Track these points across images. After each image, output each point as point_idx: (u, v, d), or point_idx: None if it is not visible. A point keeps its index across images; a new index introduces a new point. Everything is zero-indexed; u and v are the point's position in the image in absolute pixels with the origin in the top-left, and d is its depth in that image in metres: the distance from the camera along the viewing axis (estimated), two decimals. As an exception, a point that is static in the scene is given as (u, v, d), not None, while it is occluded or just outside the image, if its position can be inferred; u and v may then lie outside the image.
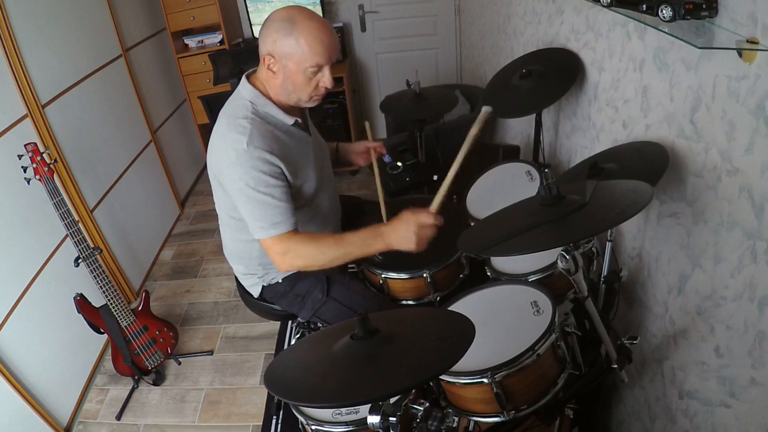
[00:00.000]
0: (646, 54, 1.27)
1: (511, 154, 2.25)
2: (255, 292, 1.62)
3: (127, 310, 2.12)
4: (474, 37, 3.38)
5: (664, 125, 1.23)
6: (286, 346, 2.40)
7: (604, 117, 1.56)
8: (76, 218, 2.19)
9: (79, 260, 1.98)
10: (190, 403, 2.22)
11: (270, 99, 1.38)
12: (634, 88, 1.36)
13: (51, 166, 1.90)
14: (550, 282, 1.31)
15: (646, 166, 1.18)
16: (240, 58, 3.04)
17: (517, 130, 2.57)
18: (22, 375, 1.95)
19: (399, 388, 0.84)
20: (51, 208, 1.89)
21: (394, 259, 1.51)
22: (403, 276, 1.51)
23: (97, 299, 2.07)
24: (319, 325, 1.67)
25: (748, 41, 0.87)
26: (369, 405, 0.89)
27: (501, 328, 1.22)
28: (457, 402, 1.18)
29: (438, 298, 1.53)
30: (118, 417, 2.18)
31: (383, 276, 1.52)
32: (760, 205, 0.92)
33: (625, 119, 1.43)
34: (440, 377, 1.14)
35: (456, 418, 1.27)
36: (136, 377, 2.27)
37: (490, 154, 2.24)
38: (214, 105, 2.87)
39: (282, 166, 1.33)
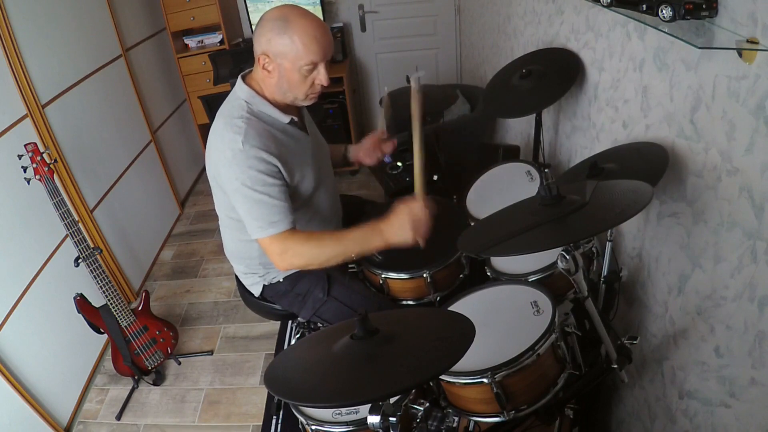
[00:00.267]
0: (646, 54, 1.27)
1: (511, 154, 2.25)
2: (256, 291, 1.62)
3: (127, 310, 2.12)
4: (474, 37, 3.38)
5: (664, 125, 1.23)
6: (286, 346, 2.40)
7: (604, 117, 1.56)
8: (76, 218, 2.19)
9: (79, 260, 1.98)
10: (190, 403, 2.22)
11: (266, 98, 1.38)
12: (634, 88, 1.36)
13: (51, 166, 1.90)
14: (550, 282, 1.31)
15: (646, 166, 1.18)
16: (240, 58, 3.05)
17: (517, 130, 2.57)
18: (22, 375, 1.95)
19: (399, 388, 0.84)
20: (51, 208, 1.89)
21: (394, 259, 1.51)
22: (403, 276, 1.50)
23: (97, 299, 2.07)
24: (319, 324, 1.67)
25: (748, 41, 0.87)
26: (369, 405, 0.89)
27: (501, 328, 1.22)
28: (457, 402, 1.18)
29: (438, 298, 1.53)
30: (118, 417, 2.18)
31: (383, 276, 1.52)
32: (760, 205, 0.92)
33: (625, 119, 1.43)
34: (440, 377, 1.14)
35: (456, 418, 1.27)
36: (136, 377, 2.27)
37: (490, 154, 2.24)
38: (214, 105, 2.86)
39: (279, 164, 1.33)
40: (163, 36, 3.49)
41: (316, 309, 1.55)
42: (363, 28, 3.83)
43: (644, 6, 1.02)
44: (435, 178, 2.20)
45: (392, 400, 0.92)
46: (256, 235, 1.35)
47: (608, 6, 1.20)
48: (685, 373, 1.24)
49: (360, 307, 0.98)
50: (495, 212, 1.20)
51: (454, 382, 1.12)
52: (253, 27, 3.70)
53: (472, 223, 1.60)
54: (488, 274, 1.45)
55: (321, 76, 1.33)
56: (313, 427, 1.17)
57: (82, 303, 2.04)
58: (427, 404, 1.10)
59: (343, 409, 1.18)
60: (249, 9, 3.62)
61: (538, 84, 1.71)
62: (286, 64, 1.30)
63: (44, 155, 1.88)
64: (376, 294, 1.57)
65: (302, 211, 1.48)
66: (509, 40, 2.51)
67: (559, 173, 1.87)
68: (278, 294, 1.59)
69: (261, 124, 1.35)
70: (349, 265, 1.64)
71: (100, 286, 2.02)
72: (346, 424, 1.14)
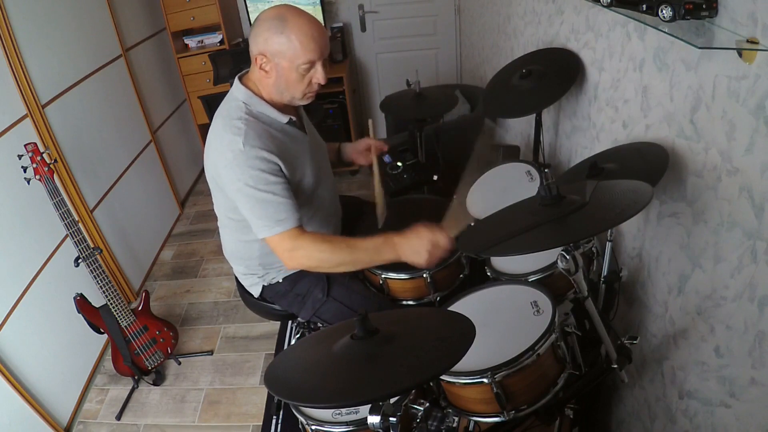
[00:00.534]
0: (646, 54, 1.27)
1: (511, 154, 2.25)
2: (255, 291, 1.62)
3: (127, 310, 2.12)
4: (474, 37, 3.38)
5: (664, 125, 1.23)
6: (286, 346, 2.40)
7: (604, 117, 1.56)
8: (76, 218, 2.19)
9: (79, 260, 1.98)
10: (190, 403, 2.22)
11: (263, 99, 1.38)
12: (634, 88, 1.36)
13: (51, 166, 1.90)
14: (550, 282, 1.31)
15: (646, 166, 1.18)
16: (240, 58, 3.05)
17: (517, 130, 2.57)
18: (22, 375, 1.95)
19: (399, 388, 0.84)
20: (51, 208, 1.89)
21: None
22: (403, 276, 1.50)
23: (97, 299, 2.07)
24: (319, 325, 1.67)
25: (748, 41, 0.87)
26: (369, 405, 0.89)
27: (501, 328, 1.22)
28: (457, 402, 1.17)
29: (438, 298, 1.52)
30: (118, 417, 2.18)
31: (383, 276, 1.52)
32: (760, 205, 0.92)
33: (625, 119, 1.43)
34: (440, 377, 1.14)
35: (456, 418, 1.27)
36: (136, 377, 2.27)
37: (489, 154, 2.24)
38: (214, 105, 2.85)
39: (280, 163, 1.33)
40: (163, 36, 3.49)
41: (316, 309, 1.55)
42: (363, 28, 3.83)
43: (644, 6, 1.02)
44: (435, 178, 2.20)
45: (392, 400, 0.92)
46: (263, 234, 1.34)
47: (608, 6, 1.20)
48: (685, 373, 1.24)
49: (360, 307, 0.98)
50: (495, 212, 1.20)
51: (454, 382, 1.12)
52: (253, 27, 3.73)
53: (472, 223, 1.60)
54: (488, 274, 1.45)
55: (318, 75, 1.33)
56: (313, 427, 1.17)
57: (82, 303, 2.04)
58: (427, 404, 1.10)
59: (343, 410, 1.18)
60: (249, 9, 3.63)
61: (538, 84, 1.71)
62: (284, 63, 1.30)
63: (44, 155, 1.88)
64: (376, 294, 1.57)
65: (303, 210, 1.48)
66: (509, 40, 2.51)
67: (559, 173, 1.87)
68: (278, 294, 1.59)
69: (260, 125, 1.35)
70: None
71: (100, 286, 2.02)
72: (346, 424, 1.14)
